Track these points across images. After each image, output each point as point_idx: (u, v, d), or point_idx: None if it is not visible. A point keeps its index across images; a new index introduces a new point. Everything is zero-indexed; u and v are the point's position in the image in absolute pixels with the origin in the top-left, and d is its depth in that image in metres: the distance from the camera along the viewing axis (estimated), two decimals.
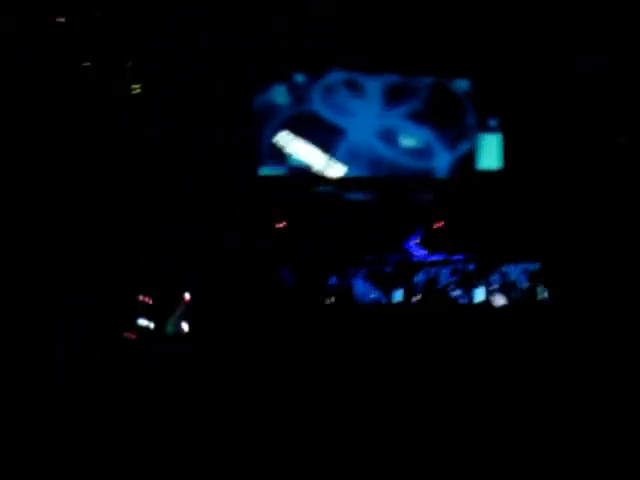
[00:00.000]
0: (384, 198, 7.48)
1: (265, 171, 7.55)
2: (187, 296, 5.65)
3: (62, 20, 6.40)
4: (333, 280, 6.51)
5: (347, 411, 3.45)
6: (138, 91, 6.86)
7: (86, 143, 6.50)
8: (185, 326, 5.43)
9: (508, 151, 8.10)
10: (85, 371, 3.79)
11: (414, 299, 6.44)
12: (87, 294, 5.10)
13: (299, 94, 7.72)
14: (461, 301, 6.49)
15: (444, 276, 6.59)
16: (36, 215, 5.87)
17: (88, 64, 6.55)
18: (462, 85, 8.18)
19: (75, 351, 4.06)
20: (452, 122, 8.06)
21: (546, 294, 6.44)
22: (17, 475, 2.72)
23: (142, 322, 5.22)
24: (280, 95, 7.66)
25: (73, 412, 3.20)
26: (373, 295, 6.48)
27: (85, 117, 6.52)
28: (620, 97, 7.70)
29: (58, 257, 5.55)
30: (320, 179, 7.62)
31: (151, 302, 5.41)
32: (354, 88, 7.90)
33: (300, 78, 7.73)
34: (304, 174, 7.63)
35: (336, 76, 7.84)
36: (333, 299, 6.44)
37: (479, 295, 6.54)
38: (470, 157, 8.07)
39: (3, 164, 6.02)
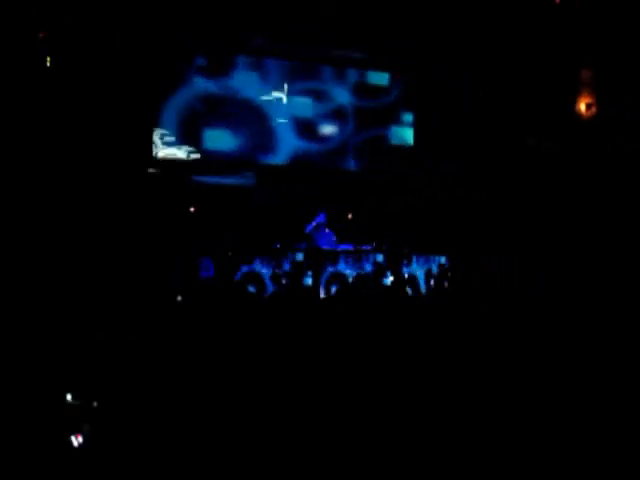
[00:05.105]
0: (293, 187, 7.55)
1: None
2: None
3: None
4: (245, 269, 6.53)
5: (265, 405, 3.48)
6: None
7: None
8: None
9: (419, 144, 8.35)
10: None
11: (323, 287, 6.56)
12: None
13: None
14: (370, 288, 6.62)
15: (352, 265, 6.73)
16: None
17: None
18: (382, 78, 8.35)
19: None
20: (367, 115, 8.26)
21: (446, 284, 6.70)
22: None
23: None
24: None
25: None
26: (283, 282, 6.53)
27: None
28: (530, 97, 8.03)
29: None
30: (228, 164, 7.58)
31: None
32: (268, 74, 7.89)
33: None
34: (214, 159, 7.58)
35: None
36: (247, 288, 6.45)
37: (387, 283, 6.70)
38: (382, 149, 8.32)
39: None
